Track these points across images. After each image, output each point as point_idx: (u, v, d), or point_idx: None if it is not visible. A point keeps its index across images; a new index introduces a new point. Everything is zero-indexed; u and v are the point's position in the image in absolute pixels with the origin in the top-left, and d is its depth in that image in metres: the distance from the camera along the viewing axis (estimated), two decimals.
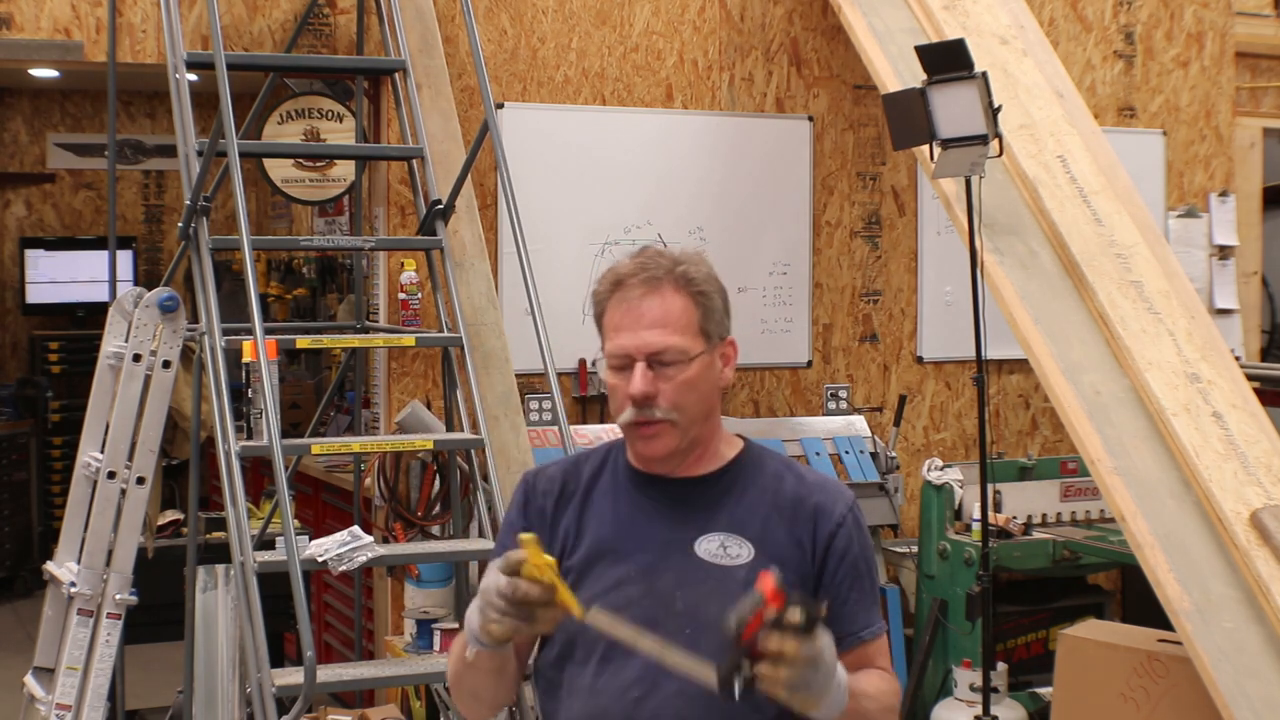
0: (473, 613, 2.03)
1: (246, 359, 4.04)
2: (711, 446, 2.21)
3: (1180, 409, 4.18)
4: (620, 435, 2.25)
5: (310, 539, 4.31)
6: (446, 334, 4.51)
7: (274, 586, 3.96)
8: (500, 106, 5.47)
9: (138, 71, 5.34)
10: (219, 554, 4.90)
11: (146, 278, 9.07)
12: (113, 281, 5.23)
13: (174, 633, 5.14)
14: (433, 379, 5.34)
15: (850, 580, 2.17)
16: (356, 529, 4.03)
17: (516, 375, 4.72)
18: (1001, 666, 5.13)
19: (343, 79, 5.40)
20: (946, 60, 4.28)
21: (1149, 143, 6.60)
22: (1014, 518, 5.43)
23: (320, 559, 3.88)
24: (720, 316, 2.18)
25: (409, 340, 4.66)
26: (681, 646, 1.95)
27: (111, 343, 4.49)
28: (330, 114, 5.37)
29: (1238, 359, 5.52)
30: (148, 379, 4.37)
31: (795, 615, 1.81)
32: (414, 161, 4.80)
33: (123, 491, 4.36)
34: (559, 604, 1.94)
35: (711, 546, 2.14)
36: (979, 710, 4.66)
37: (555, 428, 4.99)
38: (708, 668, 1.88)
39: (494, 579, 1.96)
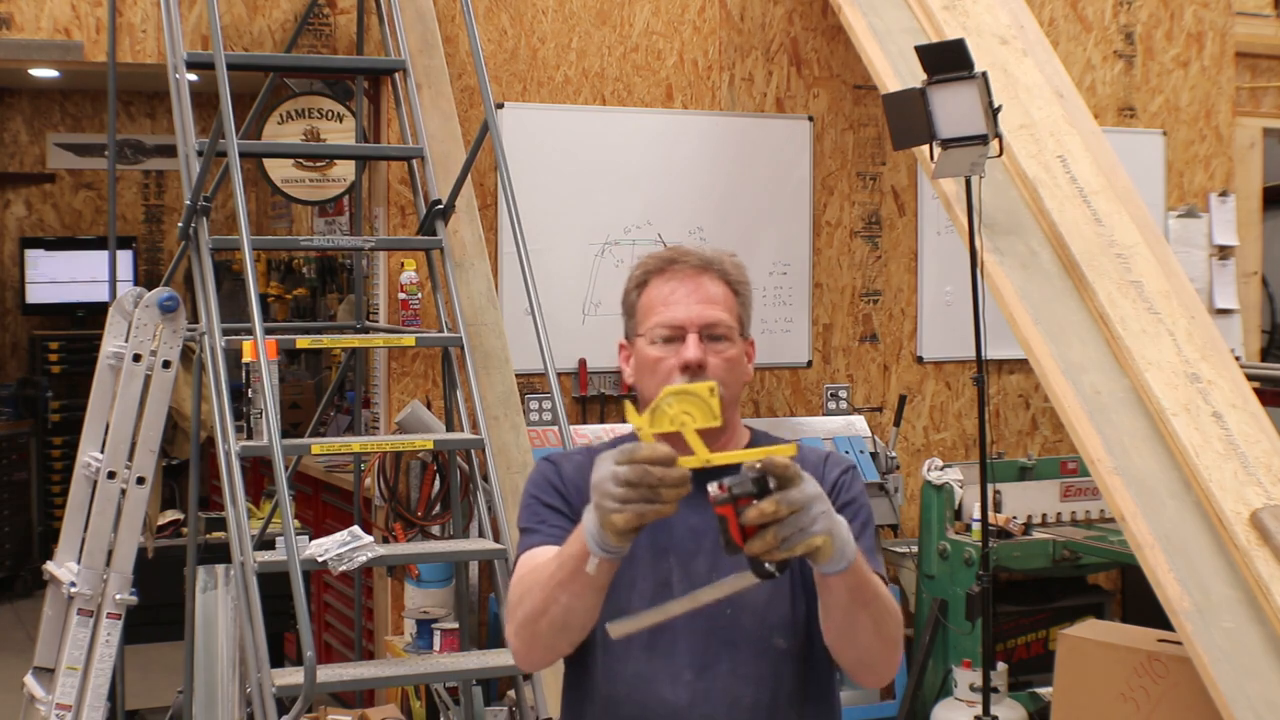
0: (589, 521, 1.93)
1: (246, 359, 4.04)
2: (734, 436, 2.26)
3: (1180, 409, 4.18)
4: (622, 433, 2.27)
5: (310, 539, 4.31)
6: (446, 334, 4.51)
7: (274, 586, 3.96)
8: (500, 106, 5.47)
9: (138, 71, 5.34)
10: (219, 554, 4.90)
11: (146, 278, 9.08)
12: (113, 281, 5.23)
13: (174, 633, 5.14)
14: (433, 379, 5.34)
15: (847, 519, 2.17)
16: (356, 529, 4.03)
17: (516, 375, 4.72)
18: (1001, 666, 5.13)
19: (343, 79, 5.40)
20: (946, 60, 4.28)
21: (1149, 143, 6.60)
22: (1014, 518, 5.43)
23: (320, 559, 3.88)
24: (750, 313, 2.26)
25: (409, 340, 4.66)
26: (724, 626, 1.97)
27: (111, 343, 4.49)
28: (330, 114, 5.37)
29: (1238, 359, 5.53)
30: (148, 379, 4.37)
31: (742, 486, 1.84)
32: (414, 161, 4.80)
33: (123, 491, 4.36)
34: (682, 472, 1.86)
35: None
36: (979, 710, 4.66)
37: (555, 428, 4.99)
38: (739, 576, 1.90)
39: (608, 469, 1.88)
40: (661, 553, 2.17)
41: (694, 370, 2.14)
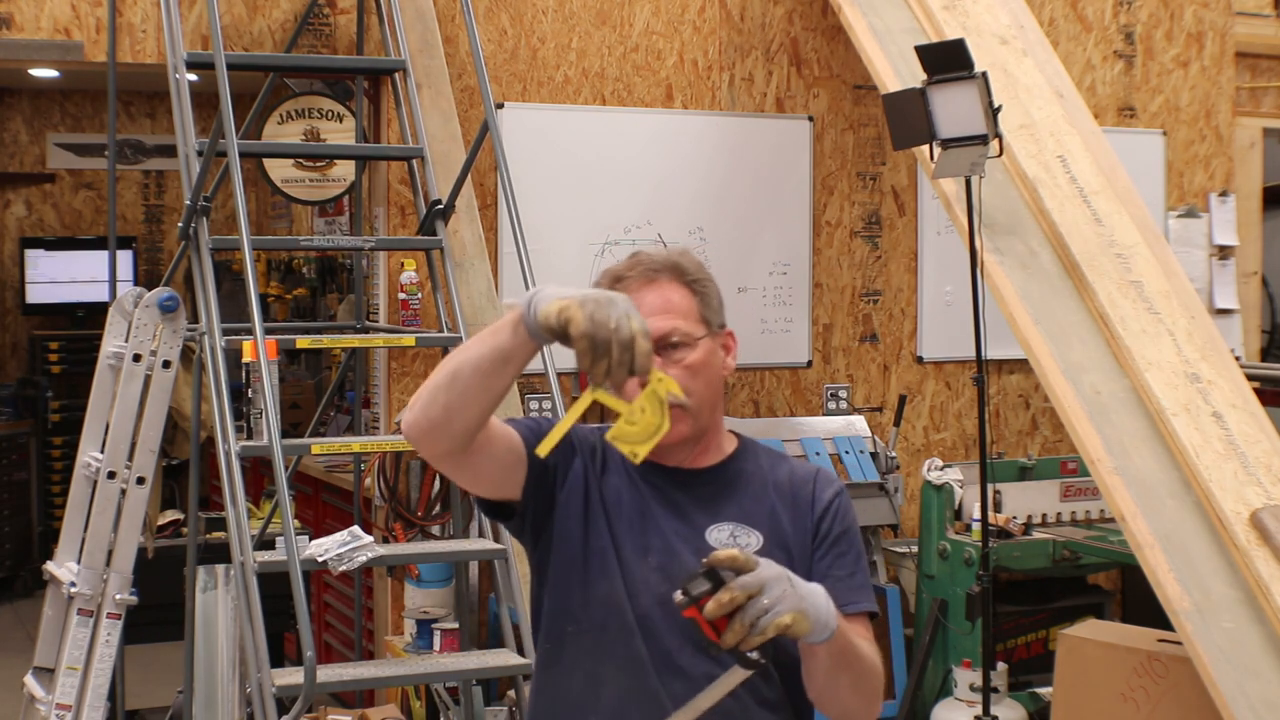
0: (548, 296, 1.90)
1: (246, 359, 4.04)
2: (716, 439, 2.28)
3: (1180, 409, 4.18)
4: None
5: (310, 539, 4.31)
6: (446, 334, 4.51)
7: (274, 586, 3.96)
8: (500, 106, 5.47)
9: (138, 71, 5.34)
10: (219, 554, 4.90)
11: (146, 278, 9.07)
12: (113, 281, 5.23)
13: (174, 633, 5.14)
14: None
15: (832, 558, 2.21)
16: (356, 529, 4.03)
17: None
18: (1001, 666, 5.13)
19: (343, 79, 5.40)
20: (946, 60, 4.28)
21: (1149, 143, 6.60)
22: (1014, 518, 5.43)
23: (320, 559, 3.88)
24: (718, 305, 2.24)
25: (409, 340, 4.66)
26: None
27: (111, 343, 4.49)
28: (330, 114, 5.37)
29: (1238, 359, 5.53)
30: (148, 379, 4.37)
31: (698, 586, 1.89)
32: (414, 161, 4.80)
33: (123, 491, 4.36)
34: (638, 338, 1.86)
35: (722, 535, 2.19)
36: (979, 710, 4.66)
37: None
38: (731, 674, 1.97)
39: (626, 306, 1.87)
40: (645, 550, 2.19)
41: None
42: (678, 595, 1.90)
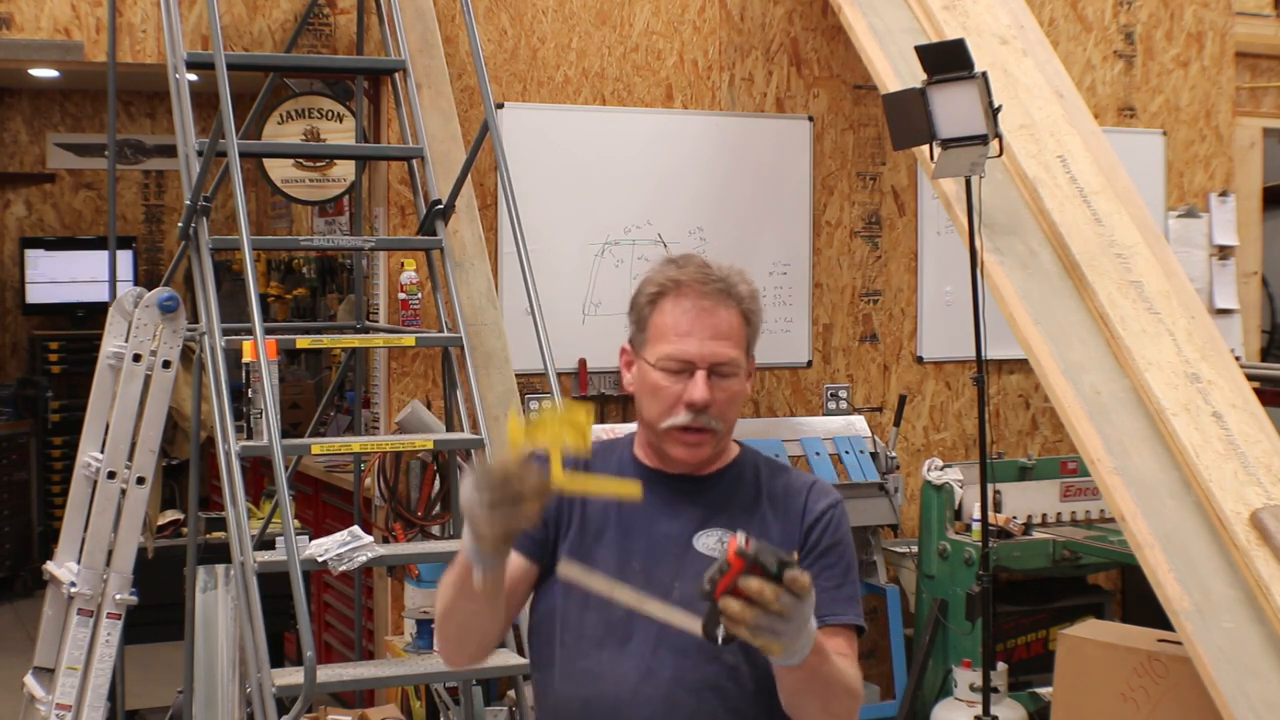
0: (465, 535, 1.99)
1: (246, 359, 4.04)
2: (722, 451, 2.29)
3: (1180, 409, 4.18)
4: (620, 435, 2.31)
5: (310, 539, 4.31)
6: (446, 334, 4.51)
7: (274, 586, 3.96)
8: (500, 106, 5.47)
9: (138, 71, 5.34)
10: (219, 554, 4.90)
11: (146, 278, 9.07)
12: (113, 281, 5.23)
13: (174, 633, 5.14)
14: (433, 379, 5.34)
15: (819, 569, 2.21)
16: (356, 529, 4.04)
17: (516, 375, 4.72)
18: (1001, 666, 5.13)
19: (343, 79, 5.40)
20: (946, 60, 4.28)
21: (1149, 143, 6.60)
22: (1014, 518, 5.43)
23: (320, 559, 3.88)
24: (757, 336, 2.26)
25: (409, 340, 4.66)
26: (676, 633, 2.00)
27: (111, 343, 4.49)
28: (330, 114, 5.37)
29: (1238, 359, 5.53)
30: (148, 379, 4.37)
31: (770, 560, 1.87)
32: (414, 161, 4.80)
33: (123, 491, 4.36)
34: (542, 480, 1.92)
35: (710, 541, 2.20)
36: (979, 710, 4.66)
37: None
38: (690, 619, 1.95)
39: (470, 484, 1.94)
40: (629, 553, 2.20)
41: (699, 409, 2.16)
42: (743, 541, 1.87)
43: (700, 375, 2.16)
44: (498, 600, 2.11)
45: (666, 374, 2.17)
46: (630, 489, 2.00)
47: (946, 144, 4.26)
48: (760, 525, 2.22)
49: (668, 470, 2.25)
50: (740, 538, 1.87)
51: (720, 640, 1.91)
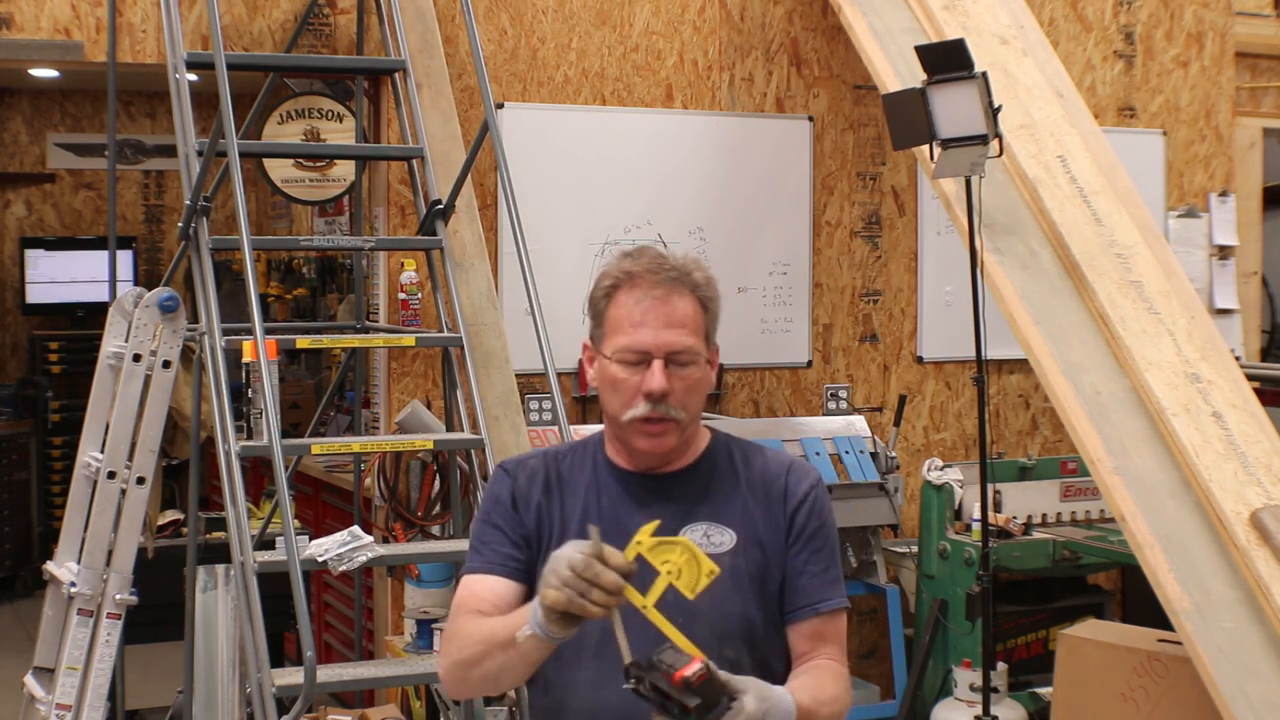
0: (536, 598, 2.00)
1: (246, 359, 4.04)
2: (691, 443, 2.29)
3: (1180, 409, 4.18)
4: (588, 435, 2.34)
5: (310, 539, 4.31)
6: (446, 334, 4.51)
7: (274, 586, 3.96)
8: (500, 106, 5.47)
9: (138, 71, 5.34)
10: (219, 554, 4.90)
11: (146, 278, 9.08)
12: (113, 281, 5.23)
13: (174, 633, 5.14)
14: (433, 379, 5.34)
15: (808, 554, 2.22)
16: (356, 529, 4.03)
17: (516, 375, 4.72)
18: (1001, 666, 5.13)
19: (343, 79, 5.40)
20: (946, 60, 4.28)
21: (1149, 143, 6.60)
22: (1014, 518, 5.43)
23: (320, 559, 3.88)
24: (716, 323, 2.25)
25: (409, 340, 4.66)
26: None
27: (111, 343, 4.49)
28: (330, 114, 5.37)
29: (1238, 359, 5.53)
30: (148, 379, 4.37)
31: (691, 701, 1.90)
32: (414, 161, 4.80)
33: (123, 491, 4.36)
34: (618, 592, 1.95)
35: (695, 536, 2.20)
36: (979, 710, 4.66)
37: (555, 428, 4.98)
38: (628, 654, 1.97)
39: (566, 550, 1.96)
40: None
41: (657, 399, 2.16)
42: (694, 670, 1.90)
43: (657, 365, 2.16)
44: (536, 665, 2.10)
45: (624, 366, 2.18)
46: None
47: (946, 144, 4.26)
48: (743, 513, 2.23)
49: (640, 469, 2.26)
50: (694, 668, 1.91)
51: (629, 686, 1.94)
